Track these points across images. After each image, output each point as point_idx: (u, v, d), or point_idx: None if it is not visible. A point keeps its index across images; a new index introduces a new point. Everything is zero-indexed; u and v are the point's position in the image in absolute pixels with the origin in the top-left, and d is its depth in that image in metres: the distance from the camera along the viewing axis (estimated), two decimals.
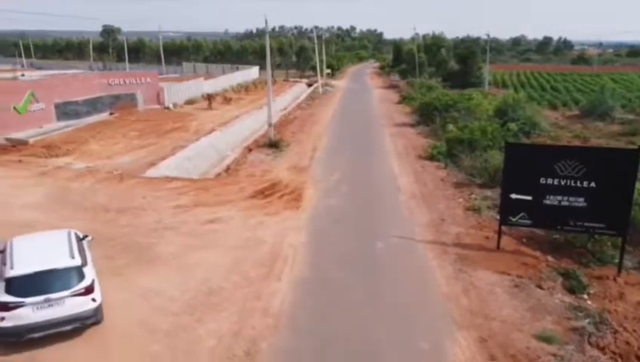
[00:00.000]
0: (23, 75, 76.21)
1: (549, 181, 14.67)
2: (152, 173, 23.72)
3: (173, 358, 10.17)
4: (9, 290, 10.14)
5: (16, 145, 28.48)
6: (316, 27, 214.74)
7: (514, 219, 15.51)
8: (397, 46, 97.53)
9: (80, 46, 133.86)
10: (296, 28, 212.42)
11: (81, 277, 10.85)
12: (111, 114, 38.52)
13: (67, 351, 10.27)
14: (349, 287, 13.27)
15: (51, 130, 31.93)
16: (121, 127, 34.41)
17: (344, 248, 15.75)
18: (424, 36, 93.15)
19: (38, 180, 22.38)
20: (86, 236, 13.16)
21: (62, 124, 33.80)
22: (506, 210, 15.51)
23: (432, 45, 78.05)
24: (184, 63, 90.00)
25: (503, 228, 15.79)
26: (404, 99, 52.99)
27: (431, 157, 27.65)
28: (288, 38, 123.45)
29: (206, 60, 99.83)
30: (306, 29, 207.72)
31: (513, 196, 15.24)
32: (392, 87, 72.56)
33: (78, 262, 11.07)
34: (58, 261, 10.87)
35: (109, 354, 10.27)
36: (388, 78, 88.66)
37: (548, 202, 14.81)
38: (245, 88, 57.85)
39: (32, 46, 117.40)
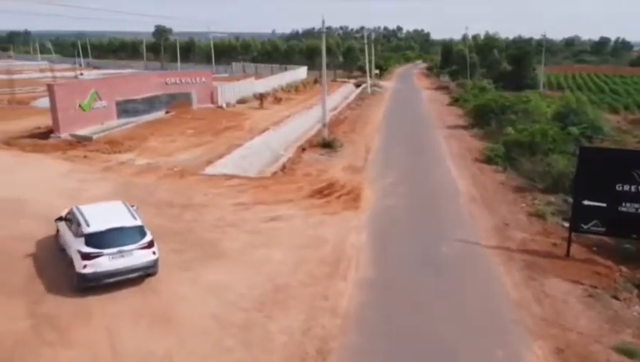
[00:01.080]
0: (81, 74, 79.59)
1: (626, 187, 14.08)
2: (210, 170, 24.22)
3: (247, 353, 10.32)
4: (88, 243, 12.38)
5: (81, 141, 29.67)
6: (362, 27, 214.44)
7: (586, 227, 14.96)
8: (446, 46, 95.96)
9: (133, 46, 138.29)
10: (342, 28, 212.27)
11: (143, 234, 13.11)
12: (167, 112, 39.58)
13: (149, 344, 10.59)
14: (416, 290, 13.14)
15: (112, 127, 33.09)
16: (178, 125, 35.32)
17: (407, 250, 15.60)
18: (474, 37, 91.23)
19: (104, 175, 23.25)
20: (133, 205, 14.89)
21: (122, 121, 34.97)
22: (578, 217, 14.97)
23: (484, 46, 76.40)
24: (233, 63, 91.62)
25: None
26: (455, 101, 52.09)
27: (488, 160, 27.04)
28: (335, 39, 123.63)
29: (254, 60, 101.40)
30: (352, 29, 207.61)
31: (586, 203, 14.70)
32: (441, 88, 71.46)
33: (139, 222, 13.41)
34: (125, 221, 13.28)
35: (187, 346, 10.51)
36: (436, 79, 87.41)
37: (624, 209, 14.22)
38: (295, 88, 58.27)
39: (89, 46, 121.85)
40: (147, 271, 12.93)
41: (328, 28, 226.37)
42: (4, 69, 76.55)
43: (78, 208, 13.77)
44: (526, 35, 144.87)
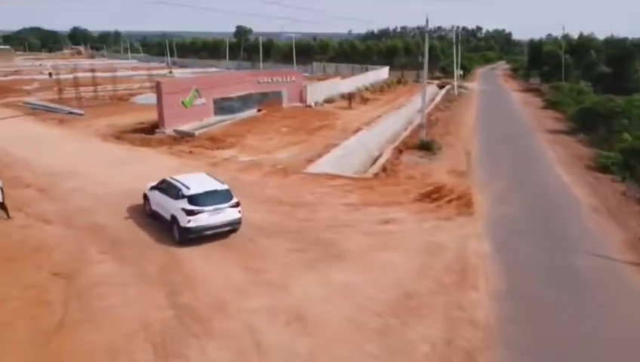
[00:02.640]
0: (170, 72, 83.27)
1: None
2: (312, 169, 24.28)
3: (392, 361, 10.03)
4: (191, 203, 15.05)
5: (184, 136, 30.80)
6: (439, 27, 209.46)
7: None
8: (534, 47, 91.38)
9: (214, 45, 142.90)
10: (418, 28, 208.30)
11: (232, 196, 15.77)
12: (259, 110, 40.34)
13: (290, 342, 10.58)
14: (556, 306, 12.33)
15: (210, 124, 34.13)
16: (272, 123, 35.87)
17: (537, 262, 14.74)
18: (564, 36, 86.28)
19: (210, 170, 23.74)
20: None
21: (218, 118, 36.03)
22: None
23: (579, 46, 72.06)
24: (314, 63, 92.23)
25: None
26: (552, 104, 49.41)
27: (602, 169, 25.24)
28: (415, 39, 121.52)
29: (332, 60, 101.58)
30: (430, 30, 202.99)
31: None
32: (531, 90, 68.22)
33: (227, 186, 16.23)
34: (216, 186, 16.13)
35: (328, 348, 10.38)
36: (524, 80, 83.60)
37: None
38: (380, 89, 57.70)
39: (175, 46, 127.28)
40: (234, 227, 15.62)
41: (404, 28, 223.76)
42: (106, 67, 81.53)
43: (171, 178, 16.71)
44: (620, 34, 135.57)
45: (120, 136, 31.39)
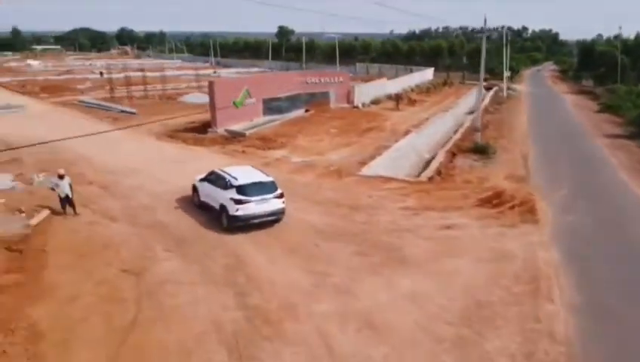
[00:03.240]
0: (215, 72, 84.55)
1: None
2: (366, 171, 24.04)
3: None
4: (239, 193, 16.07)
5: (236, 136, 31.09)
6: (483, 27, 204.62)
7: None
8: (585, 47, 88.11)
9: (257, 46, 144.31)
10: (461, 28, 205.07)
11: (276, 188, 16.82)
12: (306, 111, 40.36)
13: (363, 349, 10.40)
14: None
15: (260, 124, 34.35)
16: (320, 124, 35.81)
17: (611, 274, 14.06)
18: (616, 37, 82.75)
19: (274, 178, 23.96)
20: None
21: (267, 118, 36.23)
22: None
23: (636, 47, 68.95)
24: (357, 64, 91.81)
25: None
26: (607, 108, 47.46)
27: None
28: (459, 39, 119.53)
29: (374, 60, 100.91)
30: (473, 29, 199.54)
31: None
32: (583, 93, 65.76)
33: (272, 178, 17.38)
34: (262, 177, 17.23)
35: (403, 357, 10.16)
36: (573, 82, 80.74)
37: None
38: (426, 90, 56.88)
39: (218, 47, 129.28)
40: (278, 216, 16.68)
41: (446, 28, 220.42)
42: (154, 67, 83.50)
43: (220, 169, 17.87)
44: None
45: (173, 135, 31.96)
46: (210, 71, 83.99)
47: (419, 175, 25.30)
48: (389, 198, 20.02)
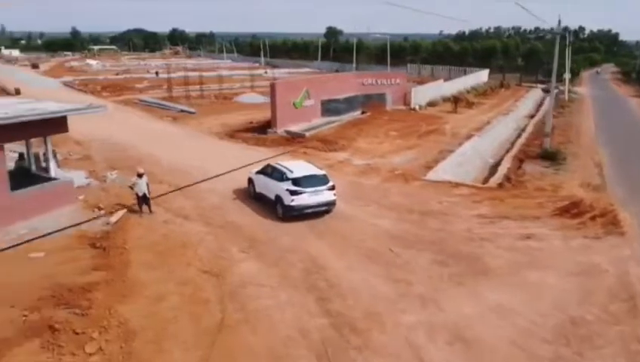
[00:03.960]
0: (266, 73, 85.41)
1: None
2: (432, 176, 23.54)
3: None
4: (294, 184, 17.11)
5: (296, 137, 31.12)
6: (537, 28, 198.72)
7: None
8: None
9: (305, 46, 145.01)
10: (513, 28, 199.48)
11: (328, 180, 17.82)
12: (363, 112, 40.07)
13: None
14: None
15: (318, 125, 34.28)
16: (379, 126, 35.42)
17: None
18: None
19: (329, 173, 23.79)
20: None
21: (325, 119, 36.15)
22: None
23: None
24: (408, 65, 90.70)
25: None
26: None
27: None
28: (514, 39, 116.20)
29: (424, 61, 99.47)
30: (525, 30, 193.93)
31: None
32: None
33: (324, 172, 18.45)
34: (315, 171, 18.28)
35: None
36: (638, 85, 76.92)
37: None
38: (483, 92, 55.48)
39: (267, 47, 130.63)
40: (329, 207, 17.75)
41: (497, 28, 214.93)
42: (207, 67, 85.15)
43: (275, 163, 19.17)
44: None
45: (233, 135, 32.32)
46: (261, 71, 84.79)
47: (486, 181, 24.62)
48: (461, 205, 19.46)
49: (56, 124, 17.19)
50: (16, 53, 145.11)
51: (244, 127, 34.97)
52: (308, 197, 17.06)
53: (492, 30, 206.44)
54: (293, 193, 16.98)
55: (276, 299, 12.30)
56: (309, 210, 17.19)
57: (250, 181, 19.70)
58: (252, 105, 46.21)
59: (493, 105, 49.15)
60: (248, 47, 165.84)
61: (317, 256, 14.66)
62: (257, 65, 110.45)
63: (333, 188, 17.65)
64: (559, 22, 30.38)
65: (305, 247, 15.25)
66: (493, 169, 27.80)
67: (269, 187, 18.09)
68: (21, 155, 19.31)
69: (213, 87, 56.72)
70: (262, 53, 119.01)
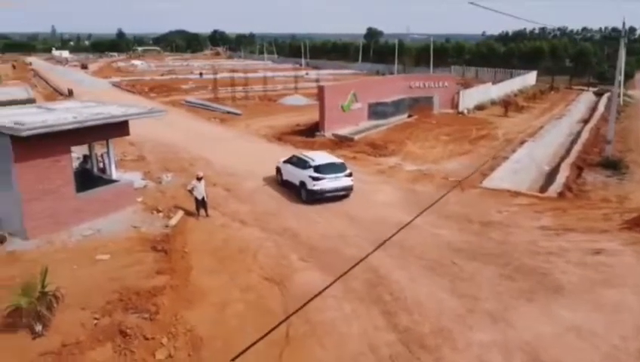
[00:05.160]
0: (307, 74, 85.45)
1: None
2: (488, 183, 22.85)
3: None
4: (316, 171, 19.44)
5: (344, 141, 30.86)
6: (585, 28, 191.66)
7: None
8: None
9: (344, 47, 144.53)
10: (559, 29, 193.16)
11: (346, 168, 20.31)
12: (409, 116, 39.48)
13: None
14: None
15: (366, 129, 33.95)
16: (428, 130, 34.78)
17: None
18: None
19: (382, 178, 23.50)
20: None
21: (372, 123, 35.79)
22: None
23: None
24: (452, 66, 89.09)
25: None
26: None
27: None
28: (562, 41, 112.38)
29: (467, 63, 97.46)
30: (571, 30, 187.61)
31: None
32: None
33: (342, 161, 21.14)
34: (334, 159, 20.95)
35: None
36: None
37: None
38: (533, 95, 53.84)
39: (308, 48, 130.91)
40: (347, 192, 20.06)
41: (542, 29, 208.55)
42: (248, 68, 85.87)
43: (300, 153, 21.93)
44: None
45: (281, 137, 32.31)
46: (302, 72, 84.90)
47: (543, 189, 23.74)
48: (522, 215, 18.76)
49: (118, 128, 17.49)
50: (65, 54, 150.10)
51: (291, 130, 34.97)
52: (328, 183, 19.41)
53: (537, 31, 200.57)
54: (315, 179, 19.32)
55: (342, 311, 12.05)
56: (329, 194, 19.51)
57: (278, 170, 22.08)
58: (296, 108, 46.26)
59: (545, 110, 47.60)
60: (288, 47, 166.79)
61: (378, 266, 14.35)
62: (298, 66, 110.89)
63: (350, 175, 20.07)
64: (623, 23, 29.05)
65: (368, 258, 14.93)
66: (550, 177, 26.85)
67: (295, 174, 20.42)
68: (85, 157, 19.74)
69: (257, 89, 57.14)
70: (303, 54, 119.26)
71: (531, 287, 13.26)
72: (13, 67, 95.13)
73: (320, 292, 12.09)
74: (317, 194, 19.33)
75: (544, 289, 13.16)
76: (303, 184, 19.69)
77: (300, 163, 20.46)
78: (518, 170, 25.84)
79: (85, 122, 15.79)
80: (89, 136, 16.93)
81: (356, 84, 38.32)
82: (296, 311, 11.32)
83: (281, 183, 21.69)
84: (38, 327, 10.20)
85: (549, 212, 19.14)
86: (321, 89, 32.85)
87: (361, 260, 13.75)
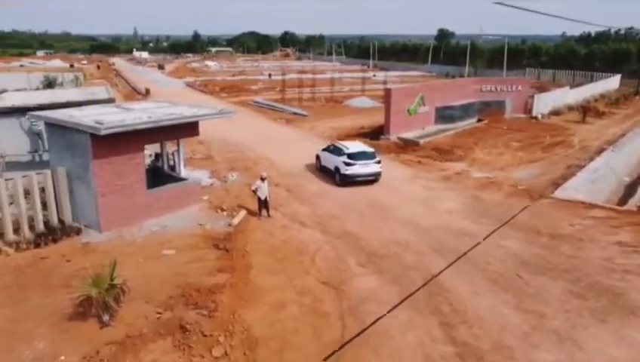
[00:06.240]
0: (375, 76, 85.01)
1: None
2: (561, 194, 21.63)
3: None
4: (349, 158, 21.96)
5: (409, 144, 30.38)
6: None
7: None
8: None
9: (414, 48, 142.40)
10: None
11: (375, 156, 22.60)
12: (479, 120, 38.23)
13: None
14: None
15: (432, 133, 33.21)
16: (498, 135, 33.52)
17: None
18: None
19: (446, 185, 22.90)
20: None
21: (439, 127, 34.97)
22: None
23: None
24: (527, 69, 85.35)
25: None
26: None
27: None
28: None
29: (543, 65, 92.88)
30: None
31: None
32: None
33: (373, 150, 23.26)
34: (366, 148, 23.18)
35: None
36: None
37: None
38: (615, 100, 50.51)
39: (376, 49, 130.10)
40: (376, 177, 22.41)
41: (630, 29, 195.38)
42: (317, 69, 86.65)
43: (336, 142, 25.04)
44: None
45: (345, 140, 32.18)
46: (370, 74, 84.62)
47: (622, 202, 22.24)
48: (597, 229, 17.62)
49: (189, 128, 18.17)
50: (145, 54, 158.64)
51: (356, 132, 34.84)
52: (359, 168, 21.83)
53: (622, 32, 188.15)
54: (347, 164, 21.82)
55: (397, 319, 11.84)
56: (360, 178, 21.93)
57: (317, 157, 24.53)
58: (362, 110, 46.12)
59: (628, 116, 44.50)
60: (357, 49, 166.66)
61: (440, 276, 13.98)
62: (365, 67, 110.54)
63: (379, 162, 22.51)
64: None
65: (425, 265, 14.63)
66: (630, 189, 25.17)
67: (331, 160, 23.00)
68: (156, 155, 20.69)
69: (324, 90, 57.48)
70: (371, 55, 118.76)
71: (604, 307, 12.43)
72: (98, 67, 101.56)
73: (387, 312, 11.97)
74: (349, 178, 21.78)
75: (618, 310, 12.29)
76: (337, 169, 22.26)
77: (335, 150, 23.03)
78: (595, 181, 24.30)
79: (159, 122, 16.53)
80: (161, 136, 17.69)
81: (424, 86, 37.53)
82: (362, 331, 11.22)
83: (319, 169, 24.23)
84: (106, 317, 10.76)
85: (627, 226, 17.85)
86: (387, 92, 32.48)
87: (431, 278, 13.52)
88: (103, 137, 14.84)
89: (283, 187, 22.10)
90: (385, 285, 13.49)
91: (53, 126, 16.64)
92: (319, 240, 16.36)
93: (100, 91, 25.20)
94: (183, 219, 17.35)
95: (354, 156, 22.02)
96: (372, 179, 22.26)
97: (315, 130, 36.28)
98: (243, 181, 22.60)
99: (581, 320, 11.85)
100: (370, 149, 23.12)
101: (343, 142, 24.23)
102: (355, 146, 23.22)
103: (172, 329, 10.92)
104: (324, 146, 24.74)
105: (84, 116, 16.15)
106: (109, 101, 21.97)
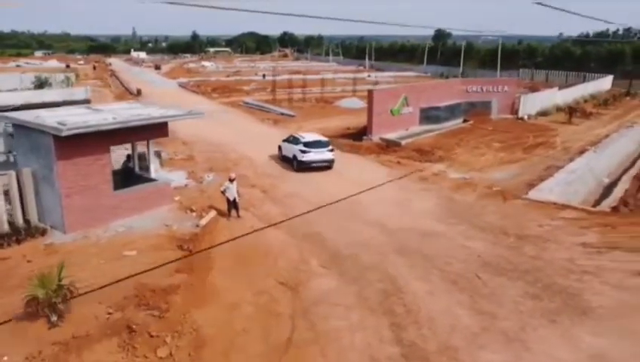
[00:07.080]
0: (369, 76, 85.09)
1: None
2: (534, 195, 21.67)
3: None
4: (305, 146, 24.56)
5: (391, 145, 30.41)
6: None
7: None
8: None
9: (411, 49, 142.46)
10: None
11: (329, 144, 25.33)
12: (464, 121, 38.24)
13: None
14: None
15: (416, 134, 33.23)
16: (481, 136, 33.56)
17: None
18: None
19: (422, 186, 22.93)
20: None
21: (424, 128, 34.96)
22: None
23: None
24: (520, 69, 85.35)
25: None
26: None
27: None
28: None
29: (538, 66, 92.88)
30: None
31: None
32: None
33: (327, 140, 25.80)
34: (320, 138, 25.78)
35: None
36: None
37: None
38: (604, 101, 50.52)
39: (373, 50, 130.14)
40: (329, 163, 24.89)
41: (627, 30, 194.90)
42: (311, 70, 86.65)
43: (295, 134, 26.95)
44: None
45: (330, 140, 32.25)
46: (364, 74, 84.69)
47: (598, 203, 22.23)
48: (564, 230, 17.66)
49: (158, 129, 18.22)
50: (143, 55, 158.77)
51: (341, 133, 34.83)
52: (314, 155, 24.36)
53: (620, 32, 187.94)
54: (303, 152, 24.35)
55: (349, 320, 11.87)
56: (315, 165, 24.41)
57: (280, 148, 26.93)
58: (352, 110, 46.08)
59: (616, 116, 44.50)
60: (354, 49, 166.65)
61: (397, 276, 14.03)
62: (361, 68, 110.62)
63: (332, 150, 25.17)
64: None
65: (385, 266, 14.67)
66: (608, 190, 25.12)
67: (290, 149, 25.47)
68: (128, 156, 20.75)
69: (315, 90, 57.52)
70: (367, 56, 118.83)
71: (557, 309, 12.47)
72: (94, 68, 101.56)
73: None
74: (304, 164, 24.32)
75: (571, 312, 12.33)
76: (294, 157, 24.81)
77: (294, 140, 25.57)
78: (572, 182, 24.31)
79: (125, 123, 16.59)
80: (129, 137, 17.75)
81: (408, 87, 37.54)
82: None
83: (280, 158, 26.64)
84: (54, 318, 10.82)
85: (596, 227, 17.89)
86: (370, 93, 32.45)
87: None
88: (66, 138, 14.89)
89: (259, 188, 22.13)
90: (343, 286, 13.52)
91: (19, 127, 16.73)
92: (285, 242, 16.39)
93: (79, 92, 25.30)
94: (150, 220, 17.39)
95: (309, 145, 24.59)
96: (326, 166, 24.68)
97: (301, 131, 36.24)
98: (219, 181, 22.60)
99: (532, 321, 11.89)
100: (325, 139, 25.70)
101: (301, 134, 26.66)
102: (310, 136, 25.84)
103: (119, 329, 10.98)
104: (284, 138, 27.12)
105: (51, 117, 16.20)
106: (85, 102, 22.03)
